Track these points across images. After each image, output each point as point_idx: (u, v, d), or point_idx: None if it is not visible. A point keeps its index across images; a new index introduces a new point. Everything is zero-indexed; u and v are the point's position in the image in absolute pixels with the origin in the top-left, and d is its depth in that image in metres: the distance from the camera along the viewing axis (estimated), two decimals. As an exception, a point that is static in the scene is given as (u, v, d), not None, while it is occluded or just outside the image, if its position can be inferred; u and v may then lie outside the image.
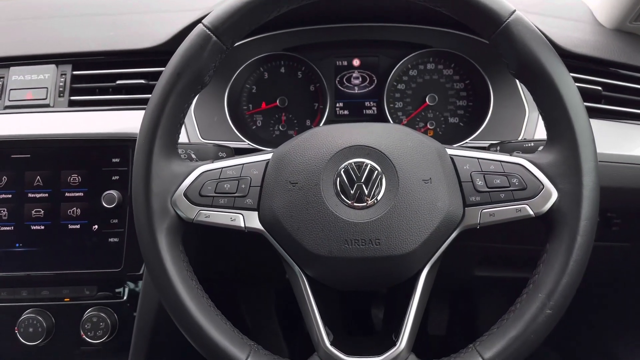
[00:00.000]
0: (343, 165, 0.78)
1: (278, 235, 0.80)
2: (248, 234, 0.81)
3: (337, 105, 1.22)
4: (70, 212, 1.09)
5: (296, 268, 0.80)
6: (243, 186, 0.81)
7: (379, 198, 0.77)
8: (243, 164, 0.83)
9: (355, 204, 0.77)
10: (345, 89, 1.22)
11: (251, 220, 0.80)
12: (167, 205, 0.80)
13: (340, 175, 0.78)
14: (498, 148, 0.95)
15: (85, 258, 1.10)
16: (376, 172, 0.78)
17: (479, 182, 0.79)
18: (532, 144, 0.90)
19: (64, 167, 1.09)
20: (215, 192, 0.80)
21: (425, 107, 1.19)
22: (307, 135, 0.82)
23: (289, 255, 0.80)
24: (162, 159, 0.79)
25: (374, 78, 1.20)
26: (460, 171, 0.80)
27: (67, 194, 1.09)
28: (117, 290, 1.12)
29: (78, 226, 1.09)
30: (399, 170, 0.77)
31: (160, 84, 0.79)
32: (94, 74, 1.16)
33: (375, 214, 0.76)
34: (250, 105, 1.21)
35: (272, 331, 1.83)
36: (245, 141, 1.13)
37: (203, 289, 0.81)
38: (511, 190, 0.77)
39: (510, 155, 0.81)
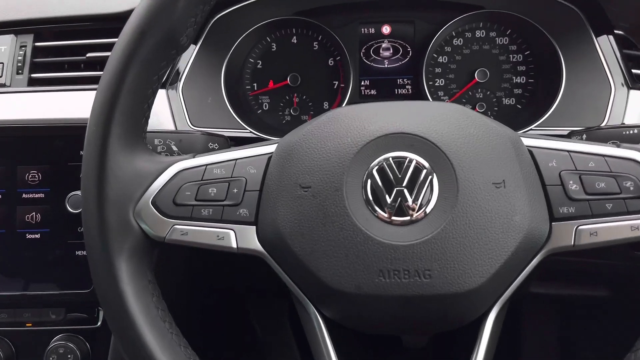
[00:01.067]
0: (376, 162, 0.55)
1: (284, 261, 0.57)
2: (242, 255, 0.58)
3: (363, 83, 0.98)
4: (28, 218, 0.88)
5: (309, 307, 0.57)
6: (235, 191, 0.57)
7: (428, 210, 0.54)
8: (235, 159, 0.59)
9: (394, 217, 0.54)
10: (372, 63, 0.99)
11: (246, 238, 0.57)
12: (129, 217, 0.57)
13: (372, 177, 0.54)
14: (584, 136, 0.70)
15: (48, 276, 0.91)
16: (424, 171, 0.54)
17: (574, 187, 0.54)
18: (637, 130, 0.65)
19: (20, 161, 0.87)
20: (197, 200, 0.58)
21: (474, 85, 0.96)
22: (324, 119, 0.59)
23: (299, 289, 0.57)
24: (122, 152, 0.57)
25: (409, 49, 0.99)
26: (545, 170, 0.56)
27: (24, 196, 0.88)
28: (89, 314, 0.91)
29: (38, 235, 0.88)
30: (459, 169, 0.54)
31: (117, 49, 0.56)
32: (60, 46, 0.94)
33: (423, 232, 0.53)
34: (255, 85, 0.98)
35: (286, 345, 1.63)
36: (247, 129, 0.90)
37: (180, 332, 0.58)
38: (623, 199, 0.53)
39: (612, 146, 0.57)
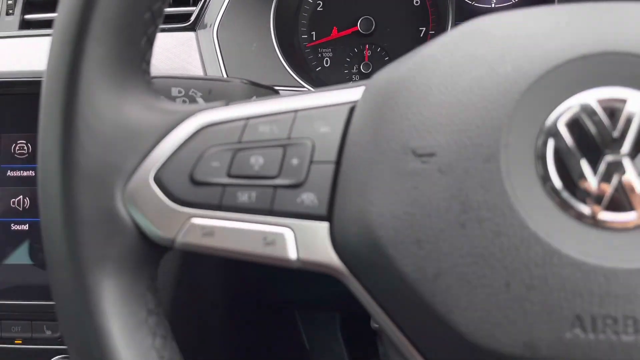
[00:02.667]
0: (564, 109, 0.29)
1: (380, 286, 0.32)
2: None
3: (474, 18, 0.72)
4: (14, 203, 0.65)
5: None
6: (295, 162, 0.33)
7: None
8: (296, 110, 0.35)
9: (603, 216, 0.28)
10: (474, 2, 0.70)
11: (313, 242, 0.33)
12: (113, 203, 0.33)
13: (556, 136, 0.29)
14: None
15: (40, 279, 0.69)
16: (664, 126, 0.28)
17: None
18: None
19: (5, 128, 0.65)
20: (231, 175, 0.34)
21: None
22: (455, 35, 0.33)
23: (409, 339, 0.32)
24: (104, 89, 0.33)
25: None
26: None
27: (9, 173, 0.66)
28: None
29: (26, 227, 0.67)
30: None
31: None
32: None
33: None
34: (314, 33, 0.72)
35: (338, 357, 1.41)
36: (303, 86, 0.65)
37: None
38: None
39: None
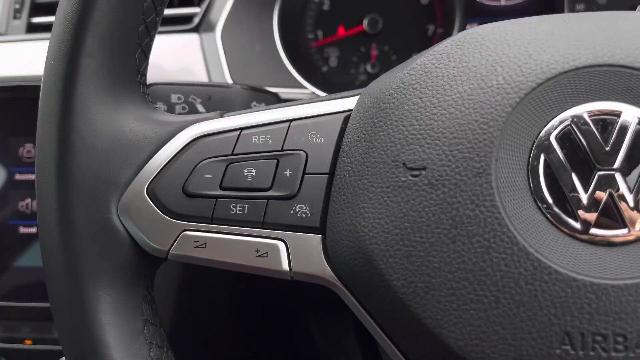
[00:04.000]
0: (556, 123, 0.29)
1: (372, 299, 0.32)
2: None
3: (469, 28, 0.70)
4: (22, 206, 0.66)
5: None
6: (288, 173, 0.33)
7: (669, 216, 0.27)
8: (290, 119, 0.35)
9: (595, 231, 0.28)
10: (483, 0, 0.70)
11: (305, 254, 0.34)
12: (108, 216, 0.34)
13: (547, 150, 0.29)
14: None
15: None
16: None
17: None
18: None
19: (14, 131, 0.66)
20: (223, 188, 0.34)
21: None
22: (448, 45, 0.33)
23: (400, 352, 0.32)
24: (99, 103, 0.34)
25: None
26: None
27: (17, 177, 0.67)
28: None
29: (34, 230, 0.68)
30: None
31: None
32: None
33: None
34: (320, 32, 0.71)
35: (348, 355, 1.41)
36: (308, 89, 0.64)
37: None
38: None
39: None
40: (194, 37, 0.65)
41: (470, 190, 0.29)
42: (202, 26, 0.65)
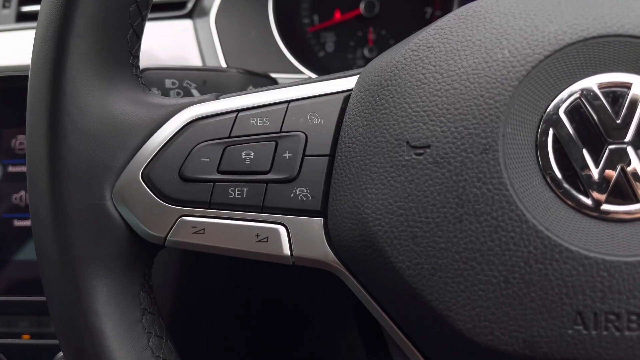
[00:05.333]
0: (565, 96, 0.28)
1: (376, 283, 0.31)
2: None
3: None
4: (16, 198, 0.65)
5: None
6: (288, 155, 0.32)
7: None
8: (288, 100, 0.34)
9: (607, 207, 0.27)
10: None
11: (307, 239, 0.33)
12: (103, 202, 0.33)
13: (556, 125, 0.28)
14: None
15: None
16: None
17: None
18: None
19: (6, 123, 0.64)
20: (221, 172, 0.33)
21: None
22: (451, 19, 0.32)
23: (406, 336, 0.31)
24: (89, 85, 0.32)
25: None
26: None
27: (10, 169, 0.66)
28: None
29: (29, 222, 0.66)
30: None
31: None
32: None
33: None
34: (316, 17, 0.70)
35: (351, 346, 1.40)
36: (304, 74, 0.63)
37: None
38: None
39: None
40: (187, 23, 0.63)
41: (477, 167, 0.28)
42: (196, 12, 0.64)
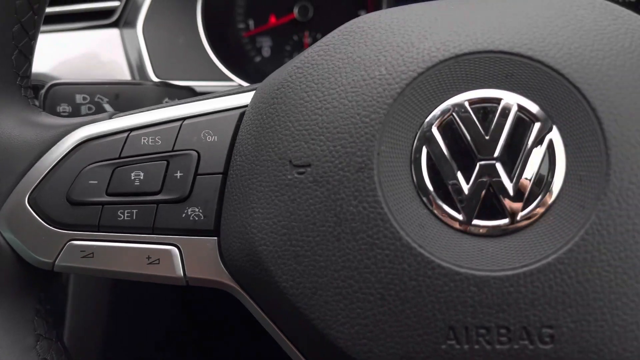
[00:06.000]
0: (438, 113, 0.28)
1: (266, 300, 0.31)
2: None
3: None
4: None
5: None
6: (179, 175, 0.32)
7: (547, 203, 0.26)
8: (182, 118, 0.34)
9: (477, 222, 0.27)
10: None
11: (200, 259, 0.32)
12: None
13: (429, 141, 0.28)
14: None
15: None
16: (536, 126, 0.27)
17: None
18: None
19: None
20: (110, 194, 0.32)
21: None
22: (334, 37, 0.32)
23: (300, 352, 0.31)
24: None
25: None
26: None
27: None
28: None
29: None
30: (609, 122, 0.27)
31: None
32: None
33: (538, 251, 0.26)
34: (251, 22, 0.70)
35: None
36: (235, 82, 0.63)
37: None
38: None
39: None
40: (114, 33, 0.62)
41: (353, 186, 0.28)
42: (123, 20, 0.63)
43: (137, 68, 0.61)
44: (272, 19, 0.73)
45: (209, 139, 0.33)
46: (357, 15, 0.71)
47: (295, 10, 0.71)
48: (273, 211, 0.30)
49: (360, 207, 0.28)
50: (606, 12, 0.29)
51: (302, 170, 0.29)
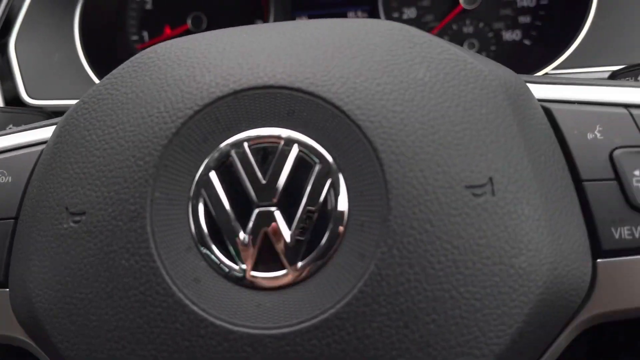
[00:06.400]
0: (216, 156, 0.25)
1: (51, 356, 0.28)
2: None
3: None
4: None
5: None
6: (-36, 221, 0.29)
7: (328, 252, 0.24)
8: (-28, 157, 0.30)
9: (255, 274, 0.25)
10: None
11: (-9, 313, 0.29)
12: None
13: (207, 186, 0.25)
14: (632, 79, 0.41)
15: None
16: (318, 168, 0.25)
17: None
18: None
19: None
20: None
21: (460, 14, 0.63)
22: (127, 66, 0.29)
23: None
24: None
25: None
26: (579, 149, 0.26)
27: None
28: None
29: None
30: (391, 165, 0.25)
31: None
32: None
33: (317, 304, 0.24)
34: (145, 33, 0.66)
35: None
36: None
37: None
38: None
39: None
40: (-17, 50, 0.59)
41: (126, 237, 0.25)
42: (-7, 36, 0.59)
43: (9, 89, 0.57)
44: (167, 30, 0.70)
45: (2, 180, 0.30)
46: (256, 24, 0.68)
47: (189, 21, 0.69)
48: (49, 264, 0.27)
49: (132, 261, 0.25)
50: (404, 40, 0.27)
51: (77, 218, 0.27)
